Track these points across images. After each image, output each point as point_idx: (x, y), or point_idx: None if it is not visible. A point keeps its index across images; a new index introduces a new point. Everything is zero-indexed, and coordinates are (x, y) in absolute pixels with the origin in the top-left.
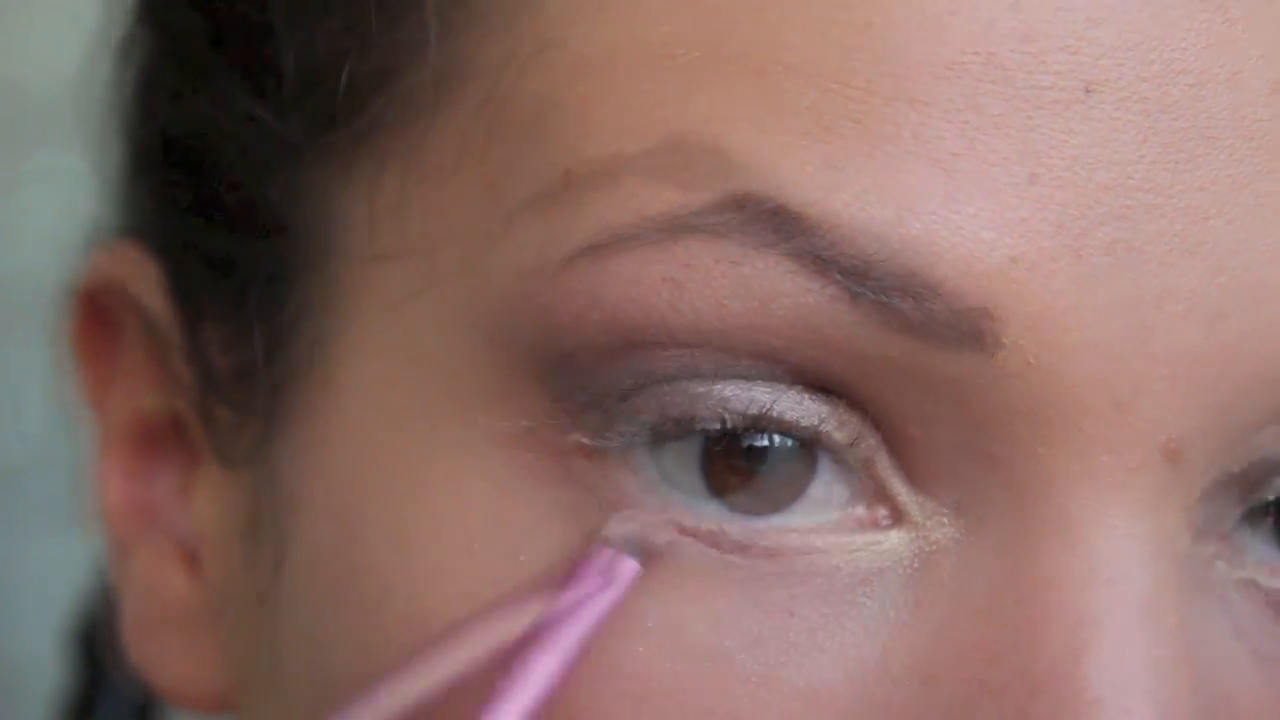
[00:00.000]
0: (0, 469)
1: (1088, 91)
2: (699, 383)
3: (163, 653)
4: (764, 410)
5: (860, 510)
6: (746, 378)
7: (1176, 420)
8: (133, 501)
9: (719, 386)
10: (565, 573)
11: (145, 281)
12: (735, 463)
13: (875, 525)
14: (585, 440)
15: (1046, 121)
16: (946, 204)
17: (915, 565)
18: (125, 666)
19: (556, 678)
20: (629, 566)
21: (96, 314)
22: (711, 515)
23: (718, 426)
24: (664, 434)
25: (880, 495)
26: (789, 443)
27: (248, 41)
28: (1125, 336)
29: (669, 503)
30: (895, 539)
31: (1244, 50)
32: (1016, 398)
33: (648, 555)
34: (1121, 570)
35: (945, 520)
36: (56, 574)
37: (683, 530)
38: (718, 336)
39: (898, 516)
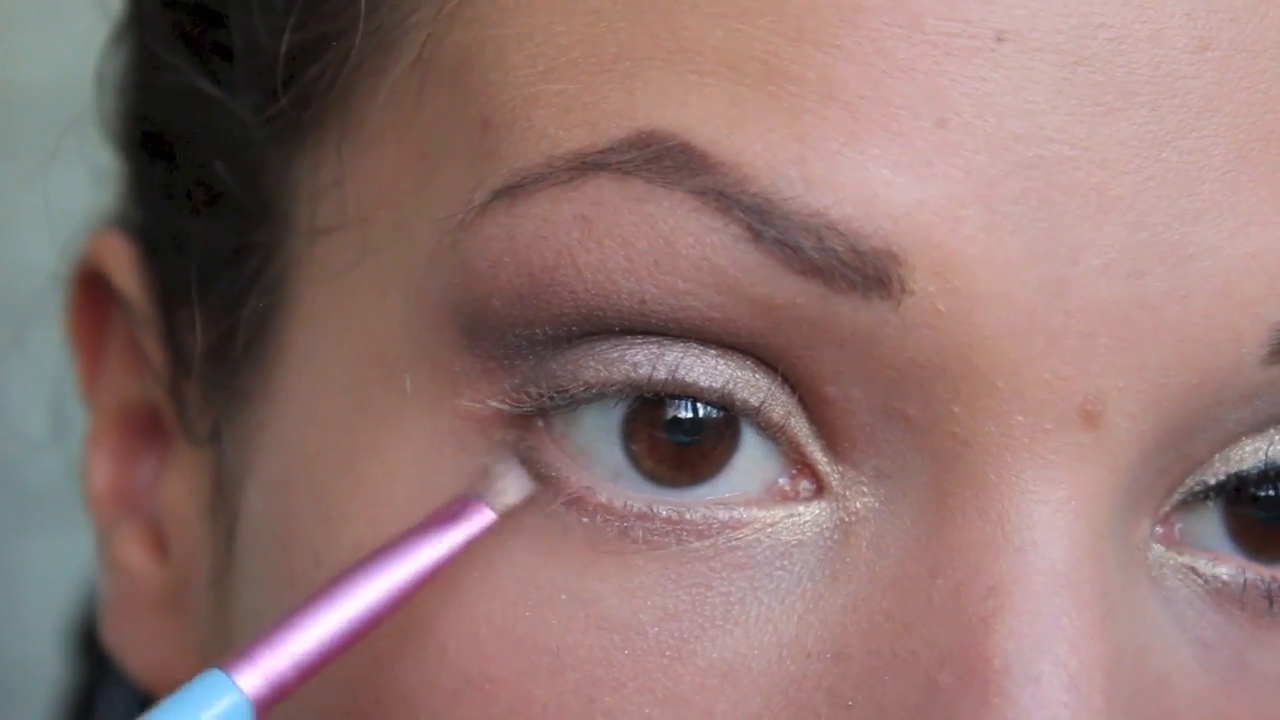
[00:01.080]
0: (0, 468)
1: (999, 39)
2: (610, 345)
3: (135, 636)
4: (673, 372)
5: (783, 482)
6: (656, 335)
7: (1094, 379)
8: (116, 487)
9: (631, 351)
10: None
11: (123, 266)
12: (656, 434)
13: (797, 497)
14: (504, 406)
15: (955, 68)
16: (850, 144)
17: (835, 537)
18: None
19: (375, 603)
20: (484, 514)
21: (88, 300)
22: (631, 488)
23: (631, 391)
24: (578, 399)
25: (802, 466)
26: (713, 413)
27: (203, 24)
28: (1038, 289)
29: (589, 474)
30: (815, 510)
31: (1168, 7)
32: (927, 350)
33: (559, 524)
34: (1034, 538)
35: (865, 489)
36: (56, 574)
37: (599, 504)
38: (625, 277)
39: (819, 487)
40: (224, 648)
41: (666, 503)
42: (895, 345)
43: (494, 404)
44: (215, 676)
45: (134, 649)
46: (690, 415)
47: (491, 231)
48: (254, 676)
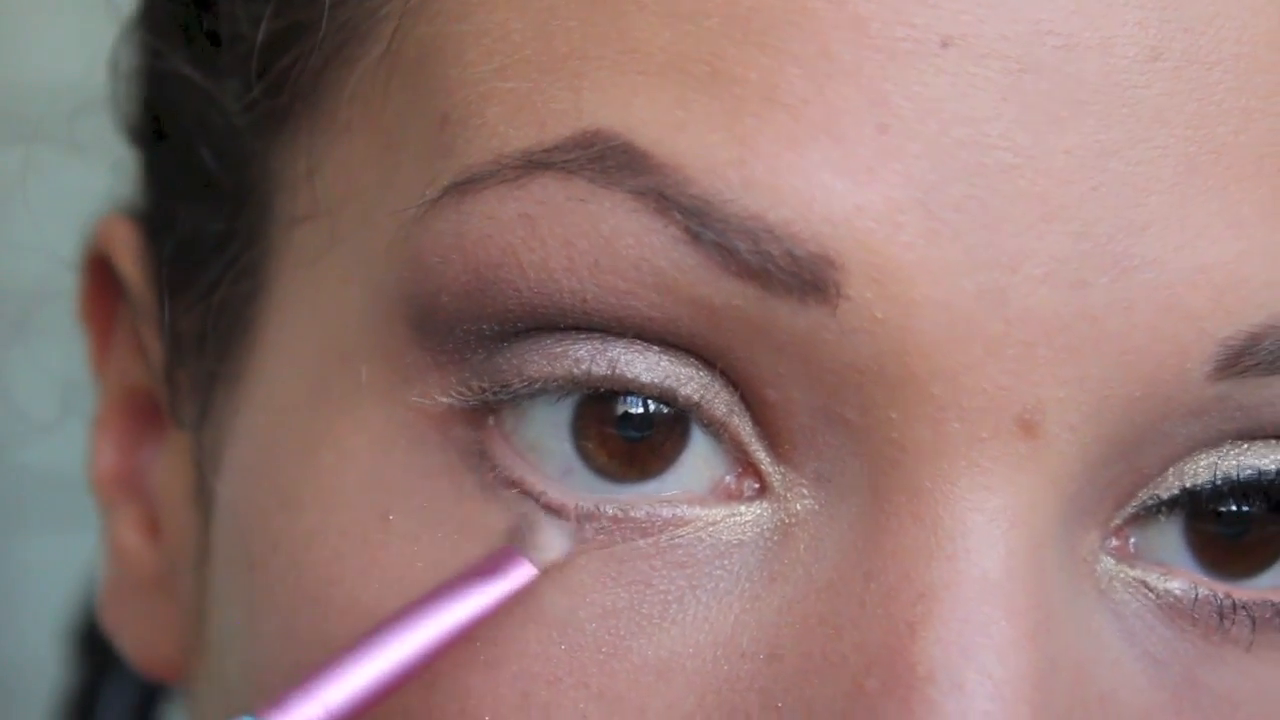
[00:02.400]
0: (0, 469)
1: (944, 45)
2: (554, 341)
3: (128, 618)
4: (614, 367)
5: (730, 480)
6: (600, 332)
7: (1032, 389)
8: (118, 469)
9: (574, 347)
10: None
11: (127, 252)
12: (606, 430)
13: (741, 496)
14: (453, 401)
15: (899, 73)
16: (791, 147)
17: (775, 538)
18: (126, 663)
19: (411, 656)
20: (525, 568)
21: (99, 283)
22: (582, 486)
23: (572, 386)
24: (520, 394)
25: (747, 465)
26: (663, 410)
27: (196, 12)
28: (977, 297)
29: (539, 473)
30: (757, 510)
31: (1118, 15)
32: (864, 356)
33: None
34: (966, 545)
35: (805, 491)
36: (56, 574)
37: (549, 503)
38: (566, 276)
39: (762, 487)
40: (200, 631)
41: (613, 501)
42: (833, 350)
43: (443, 399)
44: None
45: (126, 629)
46: (641, 411)
47: (441, 227)
48: None
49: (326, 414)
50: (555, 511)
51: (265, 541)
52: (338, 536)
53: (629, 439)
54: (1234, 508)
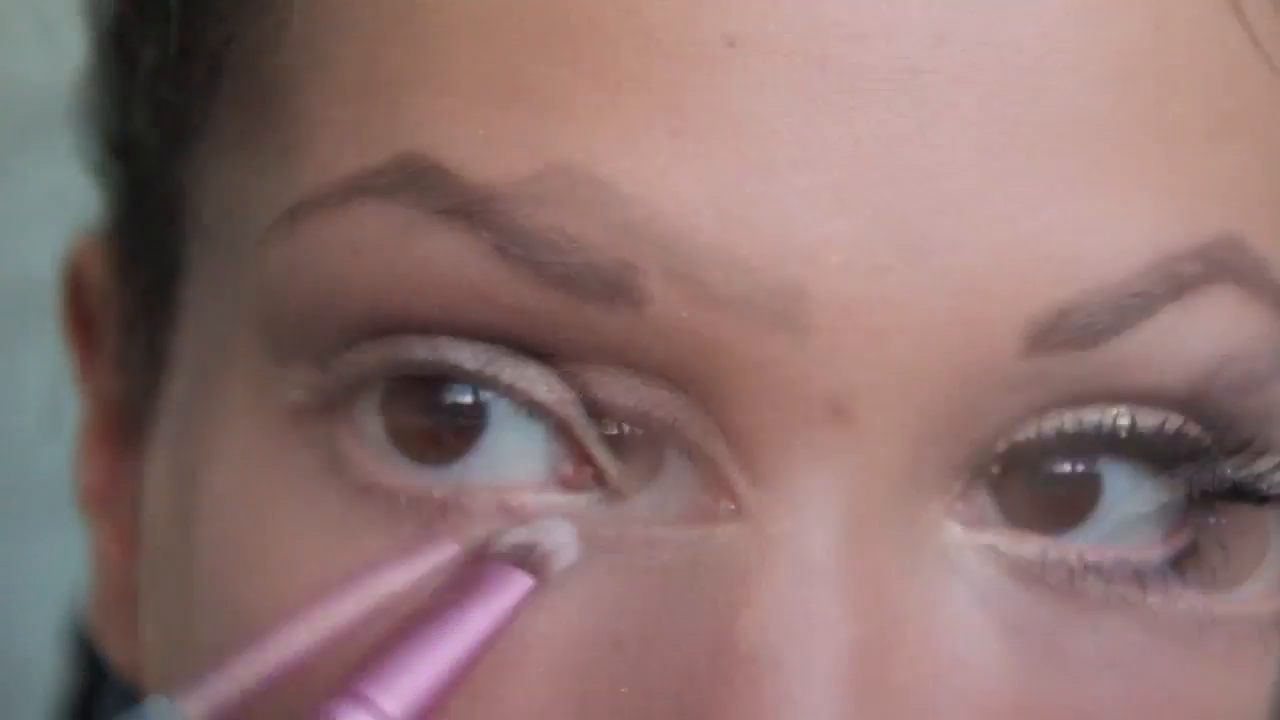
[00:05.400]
0: (1, 469)
1: (730, 44)
2: (392, 339)
3: (113, 631)
4: (438, 353)
5: (568, 470)
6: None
7: (840, 375)
8: (103, 481)
9: (405, 340)
10: (453, 577)
11: (100, 269)
12: (417, 418)
13: (577, 486)
14: (308, 399)
15: (688, 76)
16: (588, 160)
17: (610, 530)
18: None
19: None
20: (520, 581)
21: (78, 301)
22: (399, 466)
23: (398, 369)
24: (357, 388)
25: (583, 460)
26: (467, 397)
27: (124, 33)
28: (778, 290)
29: (367, 452)
30: (594, 498)
31: (903, 1)
32: (677, 354)
33: (353, 512)
34: (783, 528)
35: (638, 484)
36: (56, 574)
37: (378, 486)
38: (389, 297)
39: (601, 481)
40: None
41: (443, 485)
42: (646, 350)
43: (296, 397)
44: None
45: (110, 638)
46: (448, 399)
47: (278, 252)
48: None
49: (204, 427)
50: (382, 493)
51: (164, 556)
52: (219, 547)
53: (438, 423)
54: (1050, 467)
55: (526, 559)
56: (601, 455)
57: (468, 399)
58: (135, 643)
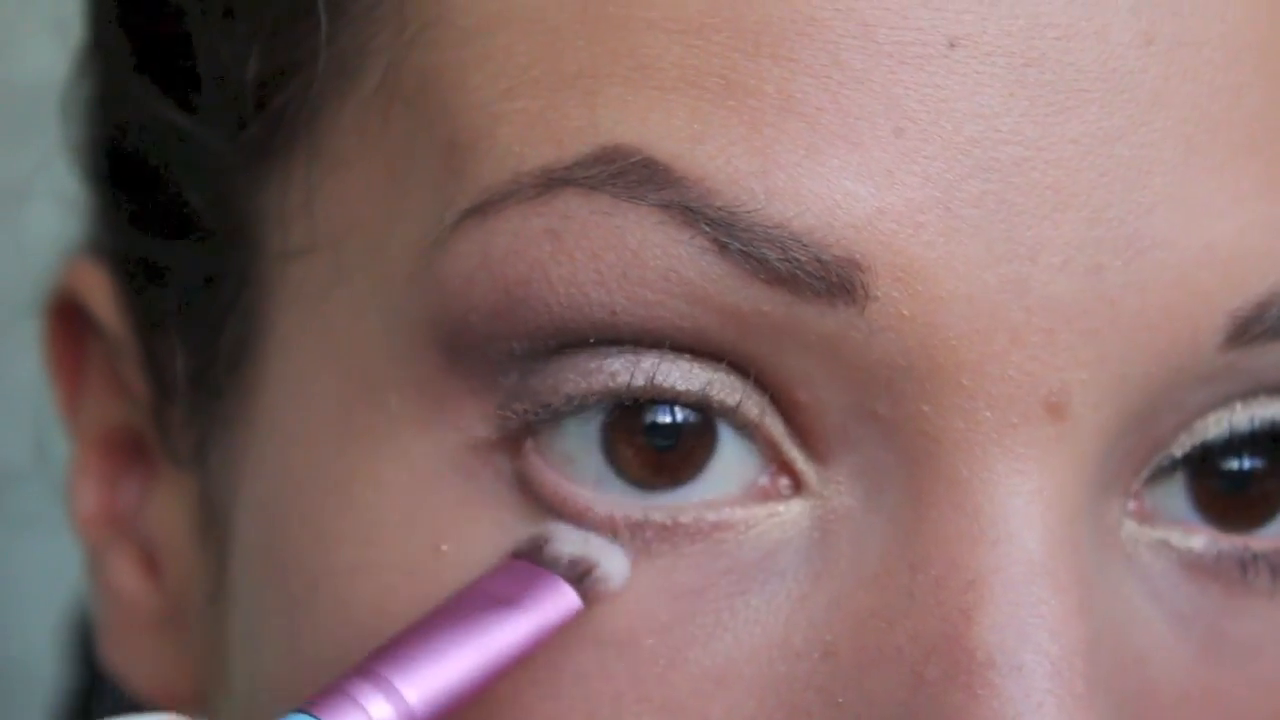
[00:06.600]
0: (0, 469)
1: (951, 46)
2: (587, 357)
3: (135, 658)
4: (650, 378)
5: (763, 480)
6: (630, 344)
7: (1057, 374)
8: (103, 510)
9: (608, 361)
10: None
11: (98, 295)
12: (636, 440)
13: (777, 495)
14: (492, 430)
15: (910, 76)
16: (811, 156)
17: (815, 535)
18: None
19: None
20: (571, 600)
21: (64, 329)
22: (616, 495)
23: (611, 400)
24: (560, 412)
25: (780, 464)
26: (690, 417)
27: (169, 54)
28: (999, 288)
29: (575, 484)
30: (796, 509)
31: (1112, 4)
32: (893, 353)
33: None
34: (1009, 529)
35: (842, 487)
36: (55, 574)
37: (593, 519)
38: (595, 289)
39: (798, 485)
40: (224, 664)
41: (660, 508)
42: (862, 349)
43: (482, 427)
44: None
45: (138, 670)
46: (669, 420)
47: (464, 249)
48: None
49: (357, 448)
50: (603, 525)
51: (301, 579)
52: (387, 570)
53: (659, 447)
54: (1241, 464)
55: (582, 577)
56: (801, 463)
57: (693, 420)
58: (171, 670)
